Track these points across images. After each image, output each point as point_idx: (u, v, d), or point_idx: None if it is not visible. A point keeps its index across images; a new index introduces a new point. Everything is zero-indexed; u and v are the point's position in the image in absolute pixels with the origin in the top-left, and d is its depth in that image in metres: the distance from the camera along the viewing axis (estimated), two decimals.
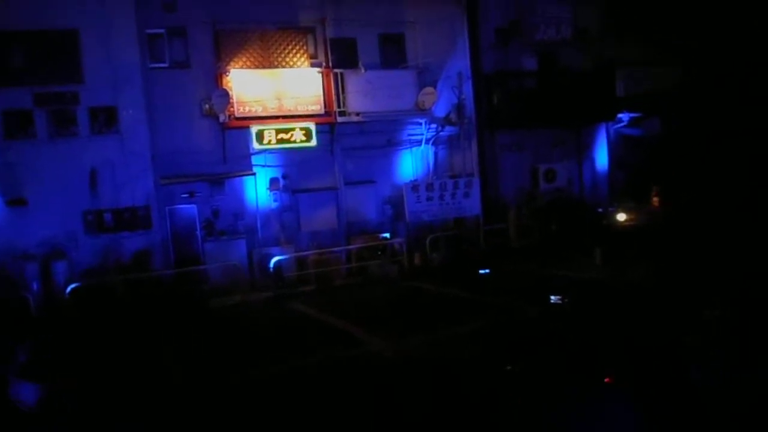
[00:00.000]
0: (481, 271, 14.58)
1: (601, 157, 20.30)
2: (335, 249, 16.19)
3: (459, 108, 17.46)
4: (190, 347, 10.30)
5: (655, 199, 15.65)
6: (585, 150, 20.06)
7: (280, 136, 15.72)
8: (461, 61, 18.15)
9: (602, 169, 20.28)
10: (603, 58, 19.64)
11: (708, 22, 21.23)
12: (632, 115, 20.02)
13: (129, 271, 13.80)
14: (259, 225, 15.81)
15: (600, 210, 17.82)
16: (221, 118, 15.21)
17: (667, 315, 8.53)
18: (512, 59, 18.93)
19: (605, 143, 20.32)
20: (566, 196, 18.90)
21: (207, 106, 15.30)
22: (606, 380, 6.93)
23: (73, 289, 12.67)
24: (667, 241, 14.09)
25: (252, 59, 15.89)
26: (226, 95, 15.11)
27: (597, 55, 19.69)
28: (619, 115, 19.95)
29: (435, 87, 17.31)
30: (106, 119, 14.39)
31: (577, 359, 7.54)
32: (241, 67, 15.68)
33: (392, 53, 17.65)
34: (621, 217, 15.99)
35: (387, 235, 16.79)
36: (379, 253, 16.24)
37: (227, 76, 15.49)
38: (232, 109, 15.32)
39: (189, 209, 15.49)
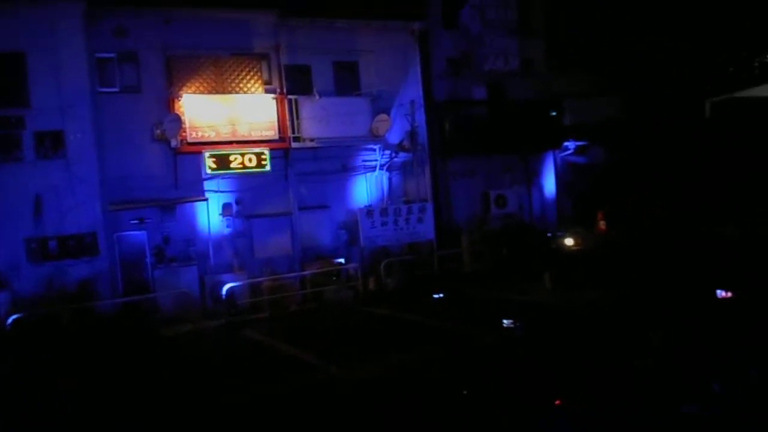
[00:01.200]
0: (435, 296, 14.76)
1: (549, 184, 20.98)
2: (289, 275, 16.09)
3: (412, 135, 17.80)
4: (137, 379, 10.00)
5: (601, 224, 16.24)
6: (534, 176, 20.68)
7: (234, 161, 15.61)
8: (414, 89, 18.55)
9: (550, 195, 20.94)
10: (549, 89, 20.48)
11: (642, 55, 22.50)
12: (578, 143, 20.81)
13: (75, 301, 13.32)
14: (211, 251, 15.57)
15: (549, 235, 18.32)
16: (173, 143, 15.03)
17: (615, 338, 8.82)
18: (463, 88, 19.48)
19: (553, 170, 21.03)
20: (517, 221, 19.40)
21: (158, 131, 15.09)
22: (556, 402, 7.11)
23: (15, 320, 12.16)
24: (611, 265, 14.60)
25: (205, 84, 15.83)
26: (178, 120, 14.96)
27: (543, 85, 20.52)
28: (565, 144, 20.72)
29: (389, 114, 17.63)
30: (52, 144, 13.97)
31: (528, 382, 7.71)
32: (194, 93, 15.58)
33: (346, 80, 17.90)
34: (569, 241, 16.48)
35: (342, 260, 16.81)
36: (334, 278, 16.23)
37: (179, 101, 15.36)
38: (184, 134, 15.17)
39: (139, 236, 15.13)
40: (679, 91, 23.15)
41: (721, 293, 8.96)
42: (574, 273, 14.83)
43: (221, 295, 14.48)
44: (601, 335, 9.41)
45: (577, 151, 21.01)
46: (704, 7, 25.78)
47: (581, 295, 13.27)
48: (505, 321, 8.54)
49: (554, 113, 20.21)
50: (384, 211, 16.84)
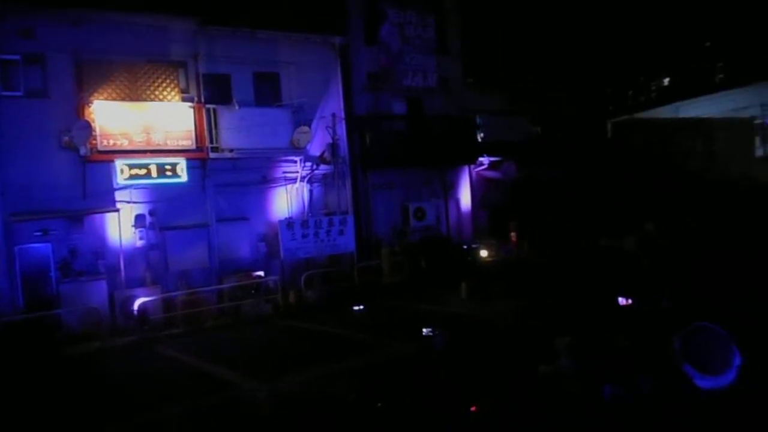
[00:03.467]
0: (356, 308, 14.85)
1: (465, 197, 21.69)
2: (206, 289, 15.68)
3: (333, 147, 17.90)
4: (30, 401, 9.41)
5: (513, 236, 17.00)
6: (451, 190, 21.32)
7: (147, 171, 15.10)
8: (335, 103, 18.70)
9: (466, 208, 21.65)
10: (464, 106, 21.27)
11: (550, 77, 23.87)
12: (492, 159, 21.69)
13: None
14: (122, 265, 14.88)
15: (465, 247, 18.92)
16: (82, 150, 14.34)
17: (524, 345, 9.26)
18: (383, 103, 19.85)
19: (468, 184, 21.77)
20: (434, 233, 19.90)
21: (67, 138, 14.34)
22: (472, 409, 7.37)
23: None
24: (523, 276, 15.30)
25: (118, 91, 15.24)
26: (88, 127, 14.31)
27: (459, 102, 21.28)
28: (480, 159, 21.53)
29: (310, 126, 17.65)
30: None
31: (445, 391, 7.95)
32: (106, 99, 14.96)
33: (267, 91, 17.77)
34: (484, 253, 17.12)
35: (261, 273, 16.58)
36: (253, 291, 15.97)
37: (90, 107, 14.69)
38: (94, 141, 14.52)
39: (43, 248, 14.27)
40: (583, 112, 24.70)
41: (622, 301, 9.60)
42: (488, 284, 15.40)
43: (132, 310, 13.89)
44: (511, 343, 9.84)
45: (491, 166, 21.88)
46: (605, 33, 27.69)
47: (495, 304, 13.80)
48: (424, 329, 8.76)
49: (470, 129, 20.98)
50: (305, 224, 16.80)
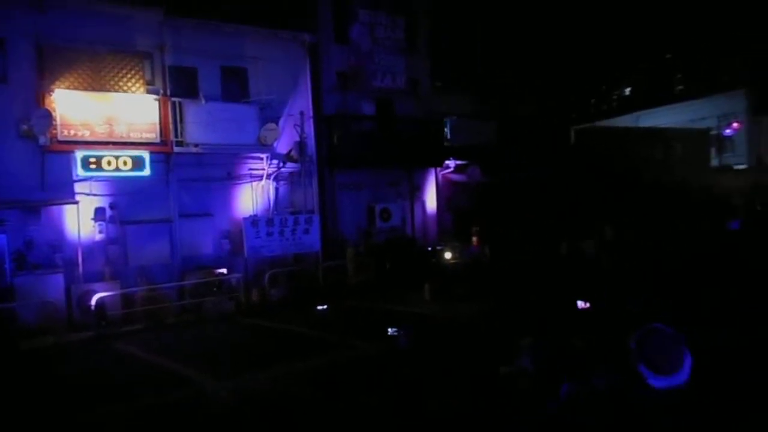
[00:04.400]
0: (320, 308, 14.83)
1: (431, 199, 21.86)
2: (167, 285, 15.40)
3: (301, 146, 17.82)
4: None
5: (474, 239, 17.21)
6: (417, 191, 21.46)
7: (109, 163, 14.75)
8: (304, 101, 18.61)
9: (432, 210, 21.81)
10: (432, 109, 21.46)
11: (515, 82, 24.32)
12: (458, 162, 21.91)
13: None
14: (80, 259, 14.52)
15: (429, 249, 19.07)
16: (41, 140, 13.92)
17: (486, 345, 9.42)
18: (352, 102, 19.84)
19: (434, 186, 21.95)
20: (400, 234, 19.99)
21: (25, 126, 13.90)
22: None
23: None
24: (486, 278, 15.53)
25: (81, 80, 14.86)
26: (48, 116, 13.90)
27: (427, 104, 21.45)
28: (447, 162, 21.73)
29: (277, 123, 17.52)
30: None
31: (408, 390, 8.03)
32: (68, 88, 14.57)
33: (235, 86, 17.56)
34: (448, 255, 17.26)
35: (224, 270, 16.38)
36: (215, 289, 15.78)
37: (51, 95, 14.29)
38: (54, 131, 14.12)
39: None
40: (548, 118, 25.20)
41: (581, 304, 9.86)
42: (452, 285, 15.57)
43: (90, 305, 13.58)
44: (473, 343, 9.99)
45: (457, 169, 22.11)
46: (570, 43, 28.32)
47: (458, 306, 13.97)
48: (389, 329, 8.85)
49: (437, 132, 21.17)
50: (270, 222, 16.68)
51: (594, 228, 17.51)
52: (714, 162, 26.42)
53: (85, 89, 14.82)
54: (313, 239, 17.23)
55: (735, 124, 25.91)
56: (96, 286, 14.23)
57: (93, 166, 14.53)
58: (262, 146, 17.18)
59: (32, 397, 9.19)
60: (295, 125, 17.79)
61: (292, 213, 17.63)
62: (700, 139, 25.85)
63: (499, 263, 16.43)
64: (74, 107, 14.46)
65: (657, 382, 3.11)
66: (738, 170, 25.70)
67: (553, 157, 21.60)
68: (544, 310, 10.88)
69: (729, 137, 26.48)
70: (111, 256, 15.06)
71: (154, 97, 15.72)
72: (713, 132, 26.57)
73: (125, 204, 15.42)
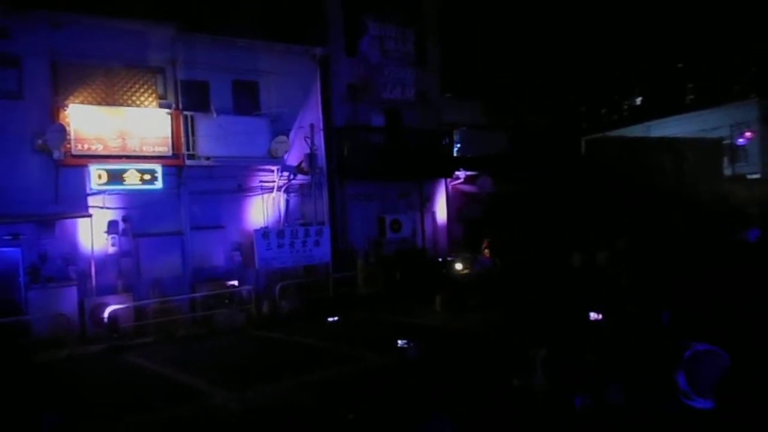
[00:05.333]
0: (330, 319, 14.82)
1: (441, 210, 21.83)
2: (179, 297, 15.47)
3: (311, 158, 17.88)
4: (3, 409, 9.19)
5: (486, 251, 17.14)
6: (427, 202, 21.45)
7: (122, 177, 14.92)
8: (314, 113, 18.72)
9: (442, 221, 21.78)
10: (441, 120, 21.51)
11: (526, 93, 24.31)
12: (468, 172, 21.90)
13: None
14: (93, 271, 14.63)
15: (440, 260, 19.03)
16: (56, 154, 14.09)
17: (498, 357, 9.35)
18: (362, 114, 19.93)
19: (445, 197, 21.93)
20: (410, 245, 19.97)
21: (40, 141, 14.09)
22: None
23: None
24: (497, 290, 15.44)
25: (95, 95, 15.05)
26: (62, 131, 14.09)
27: (436, 116, 21.50)
28: (457, 173, 21.73)
29: (288, 136, 17.63)
30: None
31: (419, 402, 7.97)
32: (82, 103, 14.76)
33: (246, 100, 17.71)
34: (458, 266, 17.22)
35: (235, 282, 16.43)
36: (227, 301, 15.82)
37: (65, 110, 14.48)
38: (69, 145, 14.29)
39: (11, 252, 13.94)
40: (559, 129, 25.15)
41: (593, 315, 9.78)
42: (463, 296, 15.50)
43: (103, 318, 13.66)
44: (485, 355, 9.93)
45: (467, 180, 22.10)
46: (581, 53, 28.30)
47: (469, 317, 13.90)
48: (399, 341, 8.82)
49: (447, 143, 21.20)
50: (281, 233, 16.73)
51: (606, 239, 17.39)
52: (727, 171, 26.21)
53: (99, 104, 15.01)
54: (323, 251, 17.25)
55: (748, 134, 25.74)
56: (109, 298, 14.33)
57: (106, 180, 14.68)
58: (273, 158, 17.28)
59: (45, 409, 9.23)
60: (305, 137, 17.88)
61: (303, 225, 17.68)
62: (712, 149, 25.67)
63: (511, 274, 16.35)
64: (88, 122, 14.65)
65: (696, 403, 3.07)
66: (751, 180, 25.48)
67: (563, 167, 21.54)
68: (556, 322, 10.80)
69: (742, 147, 26.29)
70: (124, 269, 15.18)
71: (167, 111, 15.89)
72: (725, 141, 26.39)
73: (138, 217, 15.55)
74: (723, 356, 3.12)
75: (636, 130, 29.07)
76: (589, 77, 30.12)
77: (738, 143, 26.14)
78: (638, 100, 33.06)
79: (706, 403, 3.05)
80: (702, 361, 3.12)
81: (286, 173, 17.90)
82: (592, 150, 24.54)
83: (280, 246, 16.51)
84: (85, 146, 14.54)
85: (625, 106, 33.87)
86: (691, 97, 30.06)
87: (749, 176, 25.84)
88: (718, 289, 10.32)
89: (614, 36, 29.72)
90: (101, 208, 15.07)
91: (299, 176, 18.09)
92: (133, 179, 15.01)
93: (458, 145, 21.71)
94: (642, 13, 29.58)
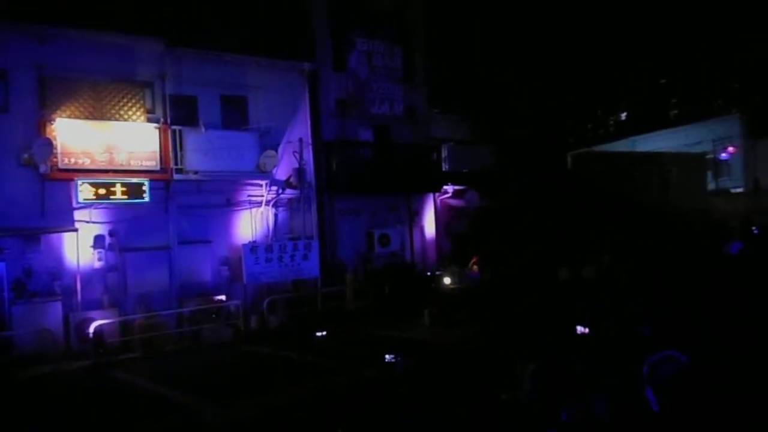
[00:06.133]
0: (318, 334, 14.76)
1: (430, 224, 21.90)
2: (166, 312, 15.34)
3: (300, 172, 17.92)
4: None
5: (475, 267, 17.18)
6: (415, 217, 21.52)
7: (109, 191, 14.84)
8: (303, 127, 18.78)
9: (430, 236, 21.84)
10: (429, 134, 21.67)
11: (513, 108, 24.58)
12: (456, 187, 22.02)
13: None
14: (79, 286, 14.46)
15: (429, 274, 19.05)
16: (42, 168, 14.03)
17: (486, 371, 9.37)
18: (350, 129, 20.02)
19: (433, 211, 22.02)
20: (399, 260, 19.99)
21: (26, 155, 14.02)
22: None
23: None
24: (485, 304, 15.48)
25: (82, 109, 15.03)
26: (49, 144, 14.03)
27: (424, 130, 21.66)
28: (445, 187, 21.84)
29: (276, 150, 17.66)
30: None
31: (407, 416, 7.96)
32: (69, 117, 14.73)
33: (234, 114, 17.74)
34: (447, 281, 17.25)
35: (223, 297, 16.34)
36: (214, 316, 15.73)
37: (52, 124, 14.43)
38: (55, 159, 14.23)
39: None
40: (545, 143, 25.41)
41: (580, 329, 9.85)
42: (451, 311, 15.51)
43: (88, 333, 13.51)
44: (473, 369, 9.94)
45: (455, 194, 22.21)
46: (566, 68, 28.69)
47: (458, 332, 13.91)
48: (387, 356, 8.80)
49: (435, 157, 21.33)
50: (269, 248, 16.70)
51: (592, 253, 17.51)
52: (711, 186, 26.55)
53: (86, 118, 14.99)
54: (312, 265, 17.22)
55: (730, 148, 26.12)
56: (94, 313, 14.19)
57: (93, 194, 14.59)
58: (262, 173, 17.29)
59: (27, 428, 9.11)
60: (294, 152, 17.92)
61: (291, 239, 17.66)
62: (696, 164, 26.01)
63: (498, 288, 16.41)
64: (75, 136, 14.60)
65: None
66: (734, 194, 25.83)
67: (550, 182, 21.71)
68: (543, 336, 10.84)
69: (725, 161, 26.67)
70: (110, 284, 15.05)
71: (155, 125, 15.88)
72: (709, 156, 26.76)
73: (124, 231, 15.46)
74: (681, 359, 3.16)
75: (621, 145, 29.40)
76: (574, 93, 30.51)
77: (721, 158, 26.51)
78: (623, 116, 33.48)
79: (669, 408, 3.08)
80: (661, 368, 3.16)
81: (274, 188, 17.91)
82: (578, 165, 24.76)
83: (268, 260, 16.46)
84: (72, 160, 14.48)
85: (611, 122, 34.29)
86: (675, 112, 30.50)
87: (732, 190, 26.18)
88: (700, 300, 10.44)
89: (599, 52, 30.18)
90: (87, 222, 14.96)
91: (288, 191, 18.10)
92: (120, 193, 14.92)
93: (446, 160, 21.84)
94: (626, 31, 30.08)
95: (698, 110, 28.59)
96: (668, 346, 3.27)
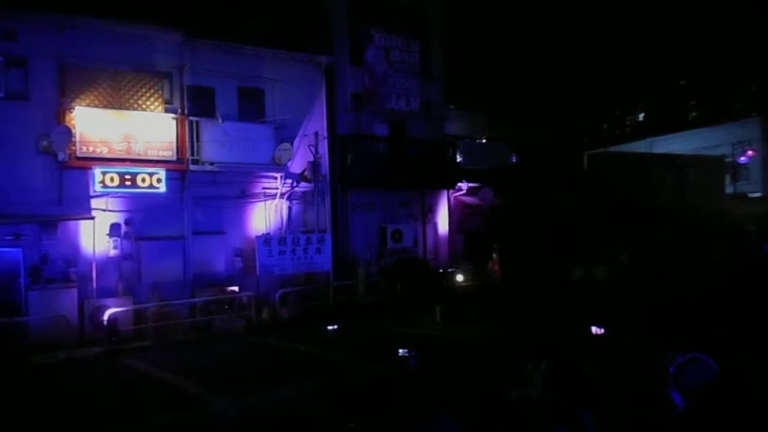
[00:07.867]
0: (329, 327, 14.77)
1: (443, 221, 21.84)
2: (178, 302, 15.45)
3: (315, 166, 17.95)
4: None
5: (496, 266, 17.06)
6: (429, 213, 21.46)
7: (126, 180, 14.94)
8: (318, 121, 18.79)
9: (443, 232, 21.78)
10: (445, 131, 21.59)
11: (531, 107, 24.41)
12: (470, 184, 21.94)
13: None
14: (94, 273, 14.61)
15: (441, 270, 19.02)
16: (60, 156, 14.16)
17: (496, 369, 9.33)
18: (366, 124, 19.99)
19: (446, 208, 21.95)
20: (411, 255, 19.96)
21: (45, 142, 14.16)
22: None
23: None
24: (499, 301, 15.43)
25: (101, 98, 15.14)
26: (68, 133, 14.16)
27: (440, 127, 21.58)
28: (459, 184, 21.77)
29: (292, 143, 17.69)
30: None
31: (418, 411, 7.95)
32: (88, 105, 14.84)
33: (251, 106, 17.78)
34: (460, 277, 17.22)
35: (236, 288, 16.42)
36: (226, 307, 15.81)
37: (71, 113, 14.55)
38: (73, 147, 14.36)
39: (12, 253, 13.94)
40: (561, 143, 25.25)
41: (595, 329, 9.77)
42: (463, 308, 15.47)
43: (102, 320, 13.65)
44: (484, 367, 9.90)
45: (470, 191, 22.13)
46: (584, 68, 28.45)
47: (469, 329, 13.87)
48: (400, 350, 8.80)
49: (450, 154, 21.27)
50: (282, 240, 16.74)
51: (607, 253, 17.39)
52: (728, 189, 26.24)
53: (105, 107, 15.09)
54: (324, 259, 17.25)
55: (750, 152, 25.78)
56: (109, 301, 14.32)
57: (110, 183, 14.71)
58: (277, 166, 17.33)
59: (40, 414, 9.20)
60: (309, 145, 17.94)
61: (305, 232, 17.70)
62: (714, 166, 25.74)
63: (511, 287, 16.35)
64: (93, 124, 14.71)
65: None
66: (753, 198, 25.51)
67: (565, 181, 21.57)
68: (556, 335, 10.78)
69: (743, 165, 26.33)
70: (124, 272, 15.17)
71: (172, 115, 15.96)
72: (727, 159, 26.45)
73: (140, 220, 15.58)
74: (709, 364, 3.12)
75: (638, 146, 29.14)
76: (592, 92, 30.25)
77: (740, 161, 26.17)
78: (641, 116, 33.16)
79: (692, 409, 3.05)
80: (688, 371, 3.12)
81: (289, 180, 17.95)
82: (594, 165, 24.58)
83: (281, 253, 16.51)
84: (90, 149, 14.59)
85: (628, 122, 33.97)
86: (694, 114, 30.16)
87: (750, 195, 25.86)
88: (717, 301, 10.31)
89: (618, 52, 29.90)
90: (104, 210, 15.10)
91: (302, 184, 18.13)
92: (136, 183, 15.03)
93: (461, 157, 21.76)
94: (646, 31, 29.77)
95: (717, 113, 28.26)
96: (693, 349, 3.22)
